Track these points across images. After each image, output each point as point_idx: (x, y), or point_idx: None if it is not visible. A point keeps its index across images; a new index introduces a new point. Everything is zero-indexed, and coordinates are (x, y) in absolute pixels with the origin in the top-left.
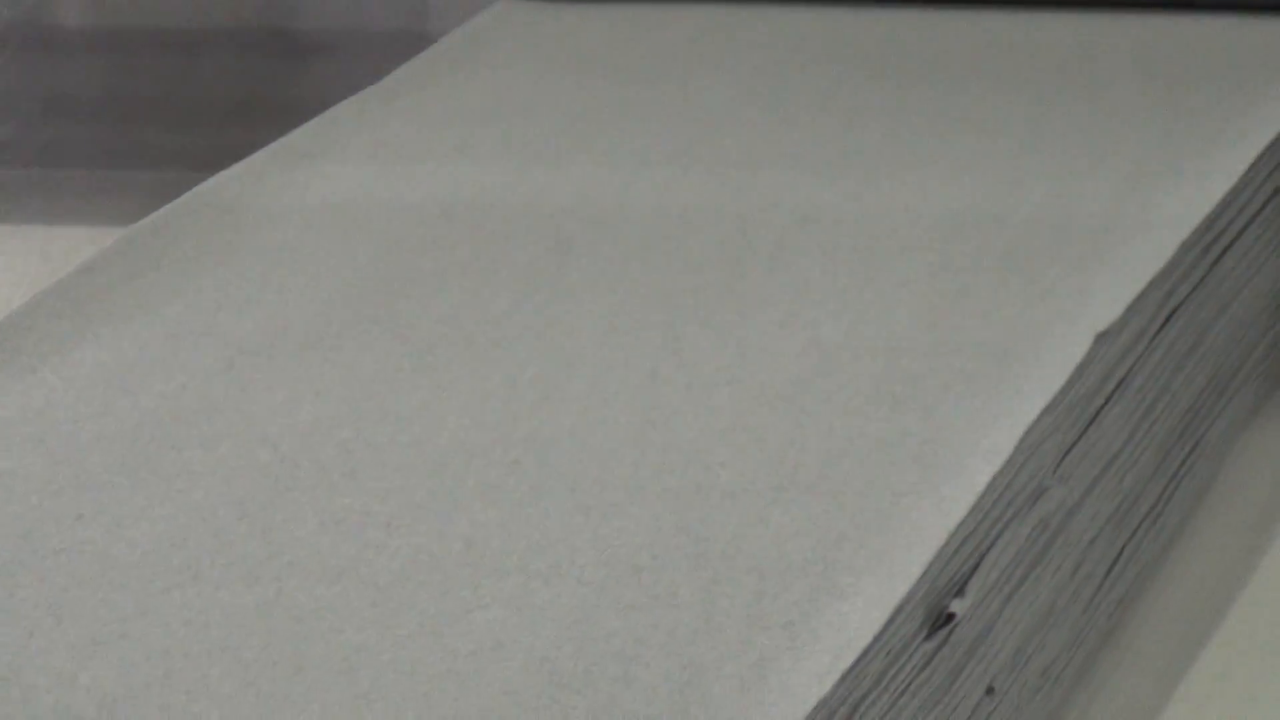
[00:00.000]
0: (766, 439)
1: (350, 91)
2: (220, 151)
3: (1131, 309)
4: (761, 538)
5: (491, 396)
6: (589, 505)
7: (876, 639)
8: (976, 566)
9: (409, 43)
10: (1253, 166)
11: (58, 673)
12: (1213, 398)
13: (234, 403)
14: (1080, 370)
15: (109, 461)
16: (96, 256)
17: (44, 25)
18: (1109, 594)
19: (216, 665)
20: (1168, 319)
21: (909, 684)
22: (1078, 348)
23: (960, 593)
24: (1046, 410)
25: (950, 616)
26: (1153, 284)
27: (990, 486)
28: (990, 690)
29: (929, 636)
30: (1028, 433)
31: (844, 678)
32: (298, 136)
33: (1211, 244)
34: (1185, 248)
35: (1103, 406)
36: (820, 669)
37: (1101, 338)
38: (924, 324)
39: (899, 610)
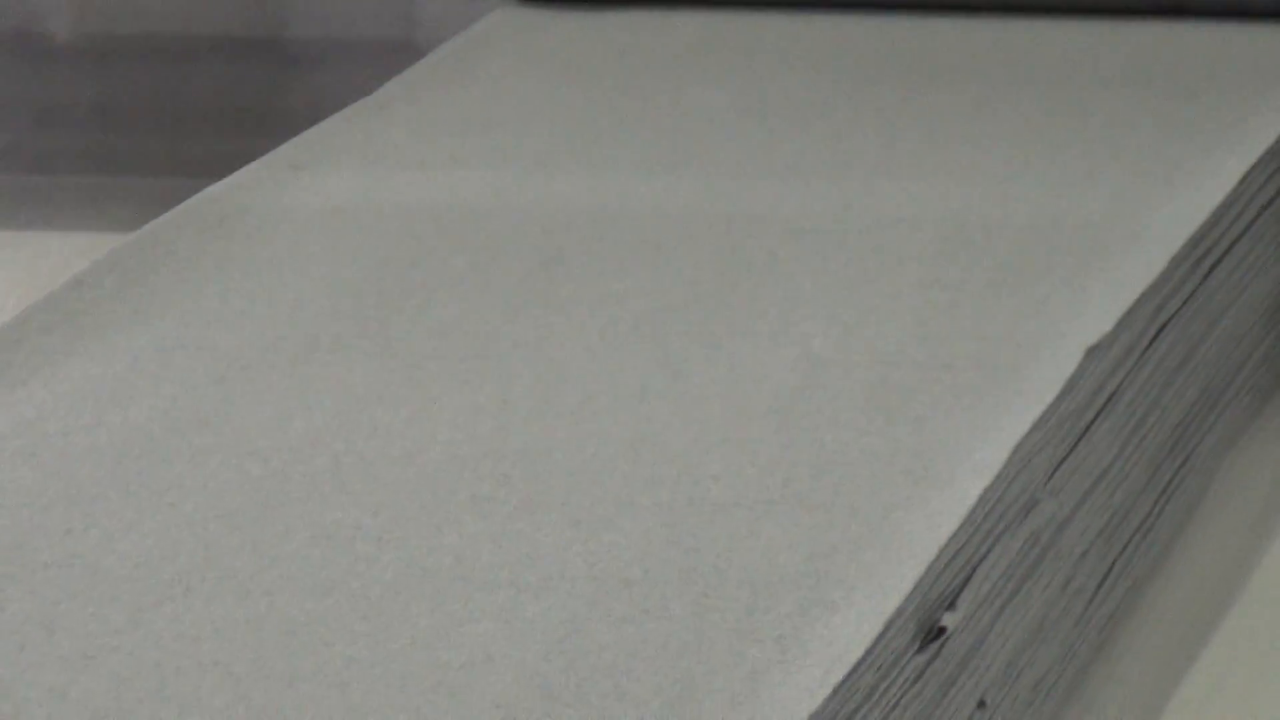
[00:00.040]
0: (757, 452)
1: (341, 100)
2: (212, 158)
3: (1122, 323)
4: (752, 551)
5: (482, 410)
6: (580, 519)
7: (868, 652)
8: (968, 580)
9: (398, 52)
10: (1244, 180)
11: (49, 686)
12: (1203, 412)
13: (225, 416)
14: (1071, 384)
15: (99, 475)
16: (87, 270)
17: (34, 34)
18: (1100, 608)
19: (208, 678)
20: (1158, 333)
21: (900, 697)
22: (1068, 361)
23: (952, 606)
24: (1038, 424)
25: (941, 630)
26: (1143, 298)
27: (981, 500)
28: (982, 704)
29: (920, 650)
30: (1019, 446)
31: (835, 691)
32: (290, 148)
33: (1202, 258)
34: (1176, 261)
35: (1094, 420)
36: (811, 682)
37: (1092, 351)
38: (915, 337)
39: (890, 624)
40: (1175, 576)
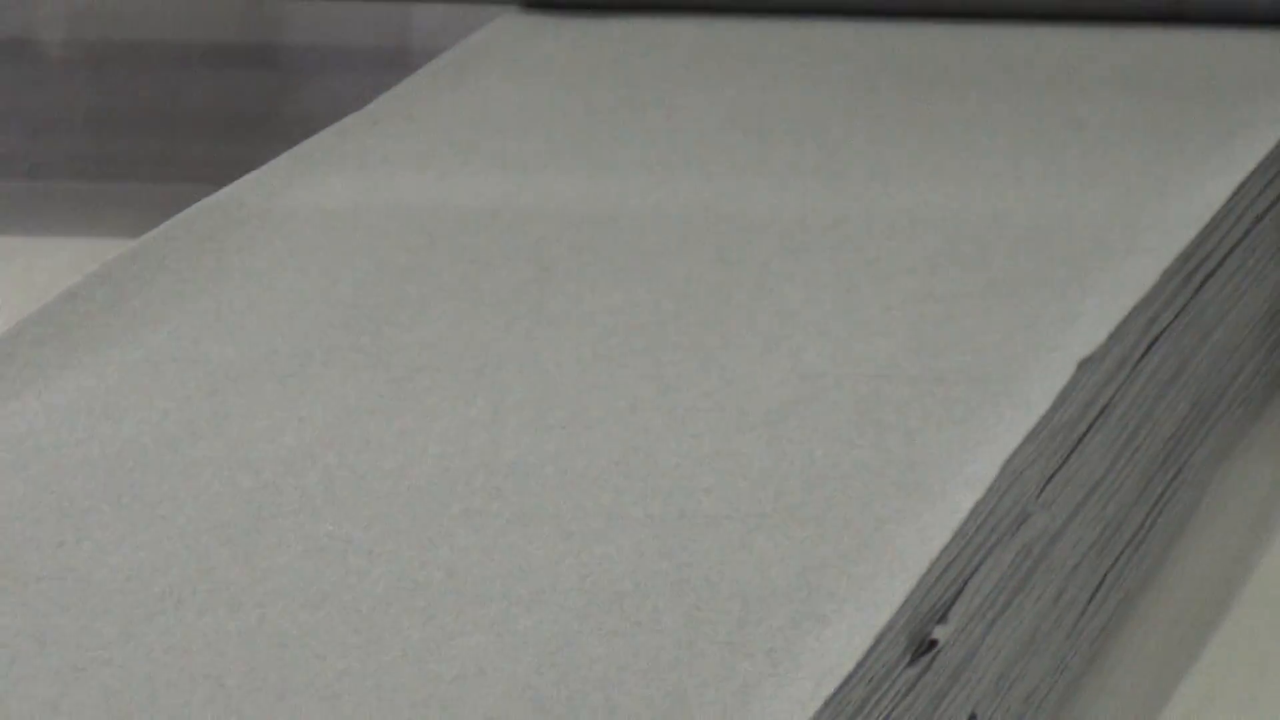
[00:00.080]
0: (749, 465)
1: (335, 107)
2: (208, 165)
3: (1114, 336)
4: (744, 564)
5: (474, 423)
6: (571, 532)
7: (859, 666)
8: (959, 593)
9: (393, 59)
10: (1237, 193)
11: (40, 699)
12: (1196, 425)
13: (217, 429)
14: (1063, 397)
15: (92, 487)
16: (80, 282)
17: (29, 42)
18: (1092, 620)
19: (199, 691)
20: (1151, 346)
21: (891, 711)
22: (1061, 374)
23: (943, 619)
24: (1029, 437)
25: (933, 643)
26: (1135, 311)
27: (973, 513)
28: (973, 717)
29: (912, 663)
30: (1010, 459)
31: (826, 704)
32: (283, 161)
33: (1195, 270)
34: (1169, 274)
35: (1086, 433)
36: (803, 696)
37: (1084, 364)
38: (907, 350)
39: (881, 637)
40: (1167, 589)
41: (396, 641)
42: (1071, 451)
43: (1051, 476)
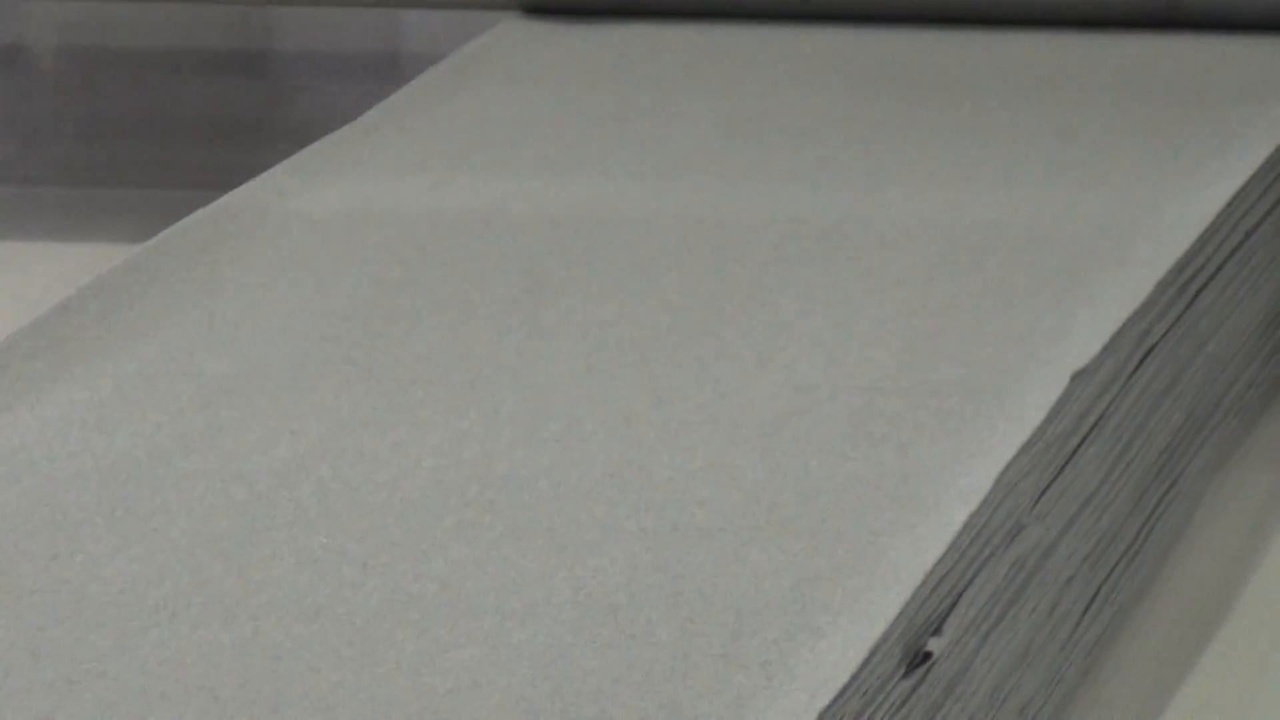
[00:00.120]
0: (743, 478)
1: (327, 113)
2: (201, 171)
3: (1108, 348)
4: (738, 577)
5: (468, 436)
6: (565, 544)
7: (854, 678)
8: (954, 605)
9: (390, 66)
10: (1230, 204)
11: (34, 713)
12: (1189, 436)
13: (210, 441)
14: (1057, 409)
15: (85, 500)
16: (73, 295)
17: (21, 49)
18: (1086, 633)
19: (193, 704)
20: (1144, 358)
21: None
22: (1054, 387)
23: (937, 631)
24: (1023, 449)
25: (927, 655)
26: (1129, 323)
27: (967, 525)
28: None
29: (906, 675)
30: (1005, 471)
31: (821, 717)
32: (276, 172)
33: (1188, 282)
34: (1162, 286)
35: (1079, 445)
36: (797, 708)
37: (1078, 376)
38: (901, 363)
39: (876, 649)
40: (1161, 601)
41: (390, 654)
42: (1066, 463)
43: (1046, 488)
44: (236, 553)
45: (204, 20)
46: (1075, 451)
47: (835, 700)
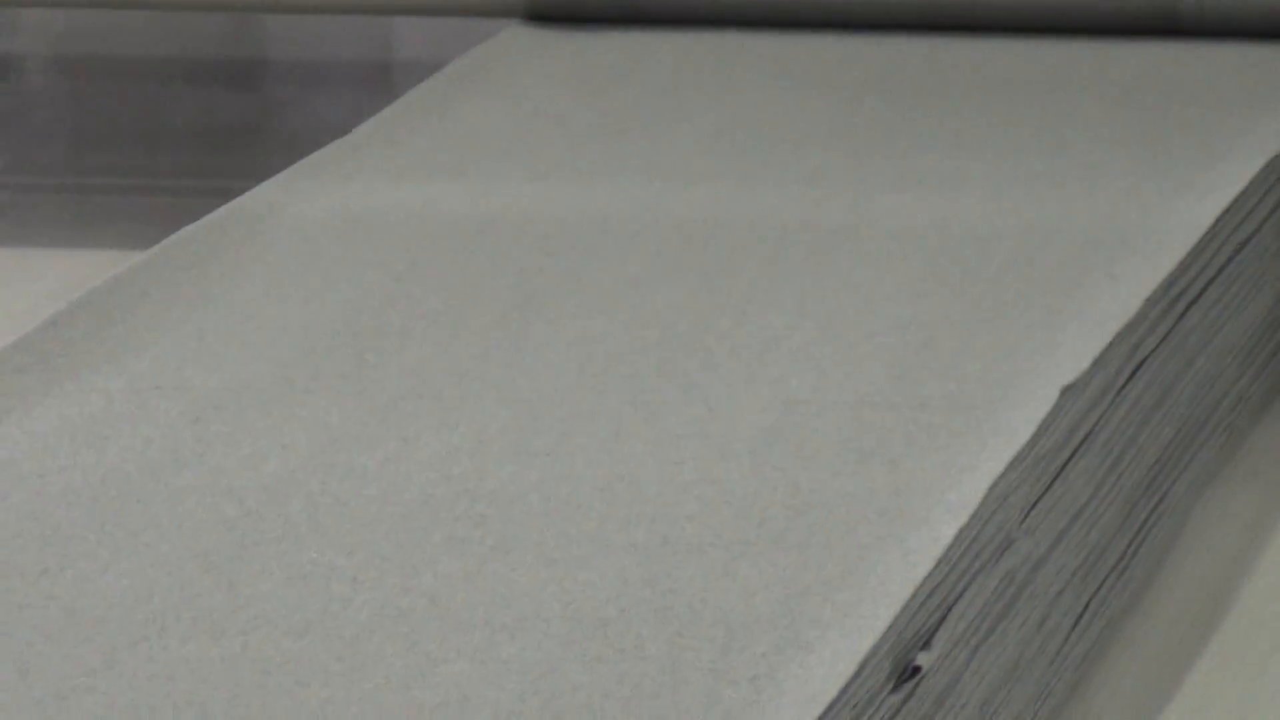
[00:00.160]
0: (732, 492)
1: (321, 121)
2: (193, 177)
3: (1097, 363)
4: (728, 591)
5: (458, 450)
6: (555, 559)
7: (843, 692)
8: (943, 619)
9: (376, 73)
10: (1220, 219)
11: None
12: (1179, 451)
13: (200, 457)
14: (1046, 424)
15: (75, 516)
16: (63, 310)
17: (13, 56)
18: (1075, 647)
19: (183, 719)
20: (1134, 373)
21: None
22: (1044, 401)
23: (926, 646)
24: (1013, 464)
25: (916, 669)
26: (1119, 338)
27: (956, 539)
28: None
29: (895, 689)
30: (994, 486)
31: None
32: (265, 187)
33: (1178, 298)
34: (1151, 301)
35: (1069, 460)
36: None
37: (1067, 391)
38: (890, 378)
39: (865, 663)
40: (1150, 615)
41: (380, 669)
42: (1055, 478)
43: (1035, 503)
44: (226, 567)
45: (198, 28)
46: (1065, 466)
47: (824, 714)
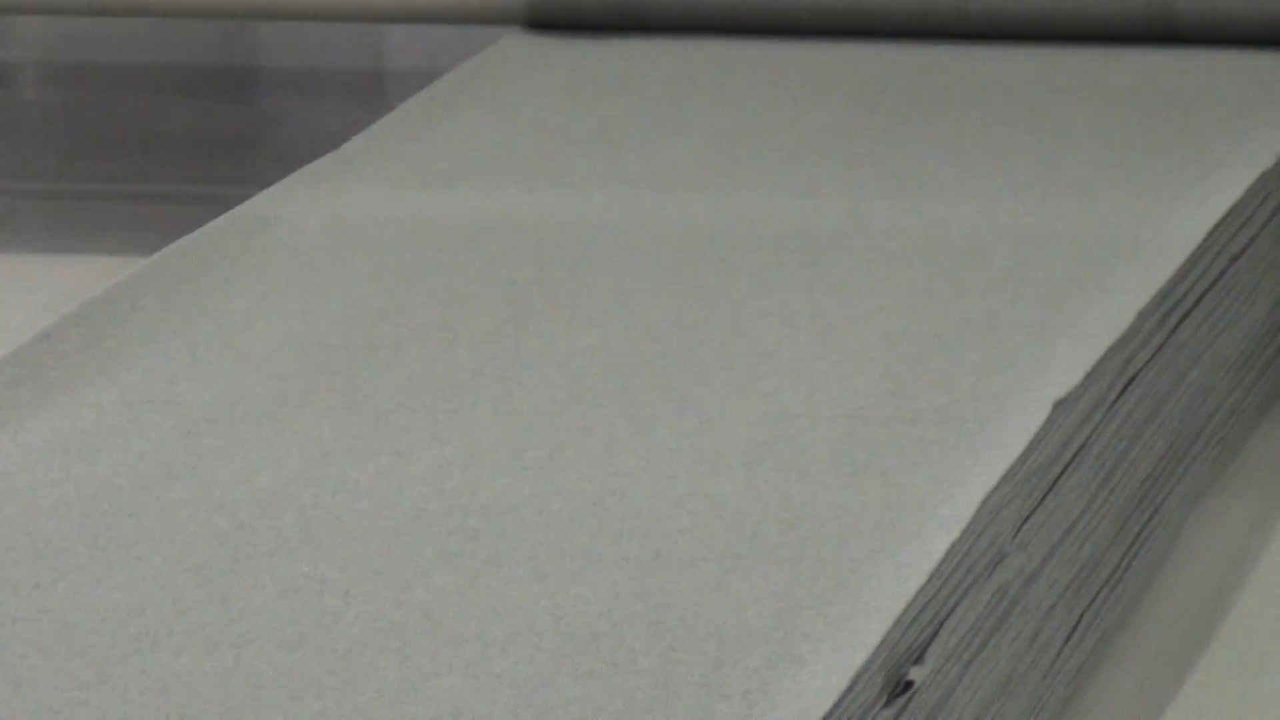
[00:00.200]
0: (725, 506)
1: (314, 129)
2: (183, 183)
3: (1090, 377)
4: (720, 605)
5: (450, 464)
6: (547, 573)
7: (835, 707)
8: (935, 634)
9: (369, 81)
10: (1212, 233)
11: None
12: (1171, 465)
13: (192, 470)
14: (1039, 438)
15: (67, 529)
16: (55, 324)
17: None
18: (1068, 661)
19: None
20: (1126, 387)
21: None
22: (1036, 415)
23: (919, 660)
24: (1005, 478)
25: (909, 684)
26: (1111, 352)
27: (949, 554)
28: None
29: (888, 704)
30: (986, 500)
31: None
32: (258, 201)
33: (1170, 311)
34: (1144, 315)
35: (1061, 474)
36: None
37: (1060, 405)
38: (883, 391)
39: (858, 678)
40: (1143, 629)
41: (372, 682)
42: (1047, 492)
43: (1027, 517)
44: (218, 581)
45: (193, 37)
46: (1057, 480)
47: None
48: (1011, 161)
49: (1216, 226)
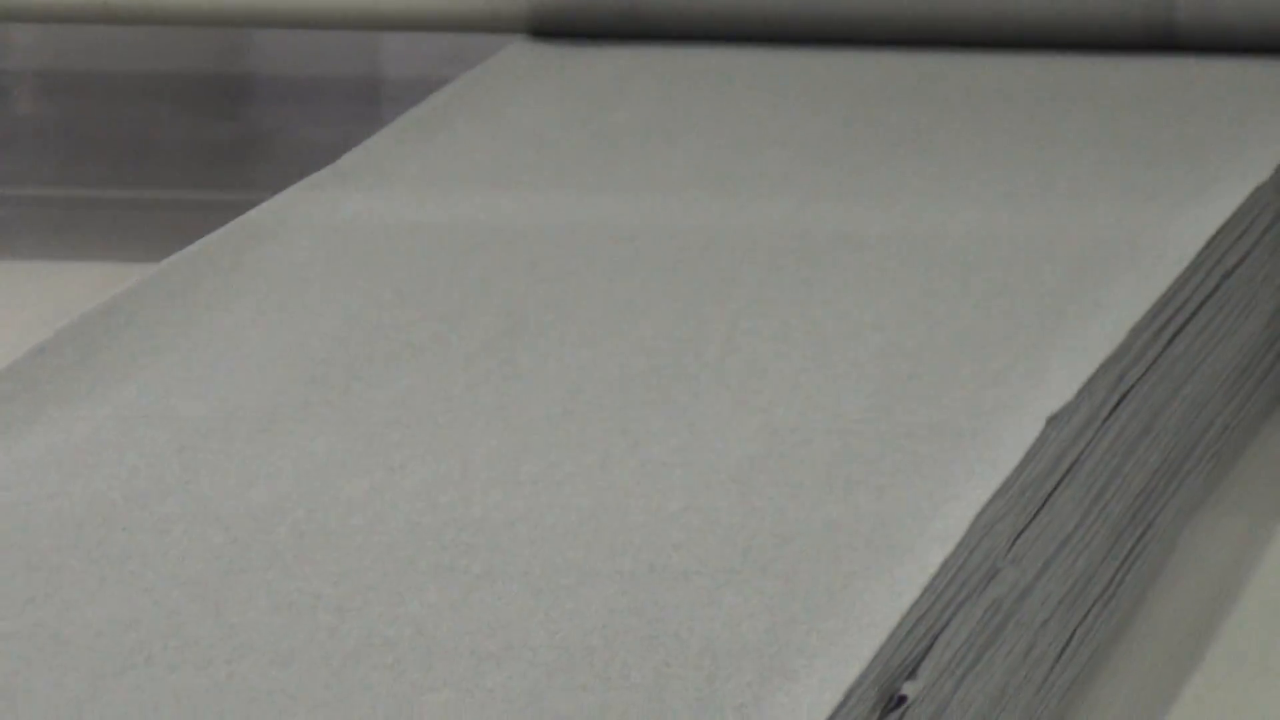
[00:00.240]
0: (718, 521)
1: (302, 137)
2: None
3: (1083, 392)
4: (714, 620)
5: (444, 478)
6: (541, 587)
7: None
8: (929, 649)
9: (369, 88)
10: (1205, 248)
11: None
12: (1165, 480)
13: (186, 485)
14: (1032, 453)
15: (60, 544)
16: (49, 339)
17: None
18: (1061, 676)
19: None
20: (1119, 402)
21: None
22: (1030, 431)
23: (913, 675)
24: (999, 493)
25: (902, 699)
26: (1104, 367)
27: (943, 568)
28: None
29: (881, 719)
30: (980, 515)
31: None
32: (253, 215)
33: (1164, 326)
34: (1137, 330)
35: (1055, 489)
36: None
37: (1053, 421)
38: (876, 406)
39: (851, 692)
40: (1137, 644)
41: (366, 698)
42: (1041, 507)
43: (1021, 532)
44: (212, 596)
45: (190, 45)
46: (1051, 495)
47: None
48: (1008, 171)
49: (1212, 239)
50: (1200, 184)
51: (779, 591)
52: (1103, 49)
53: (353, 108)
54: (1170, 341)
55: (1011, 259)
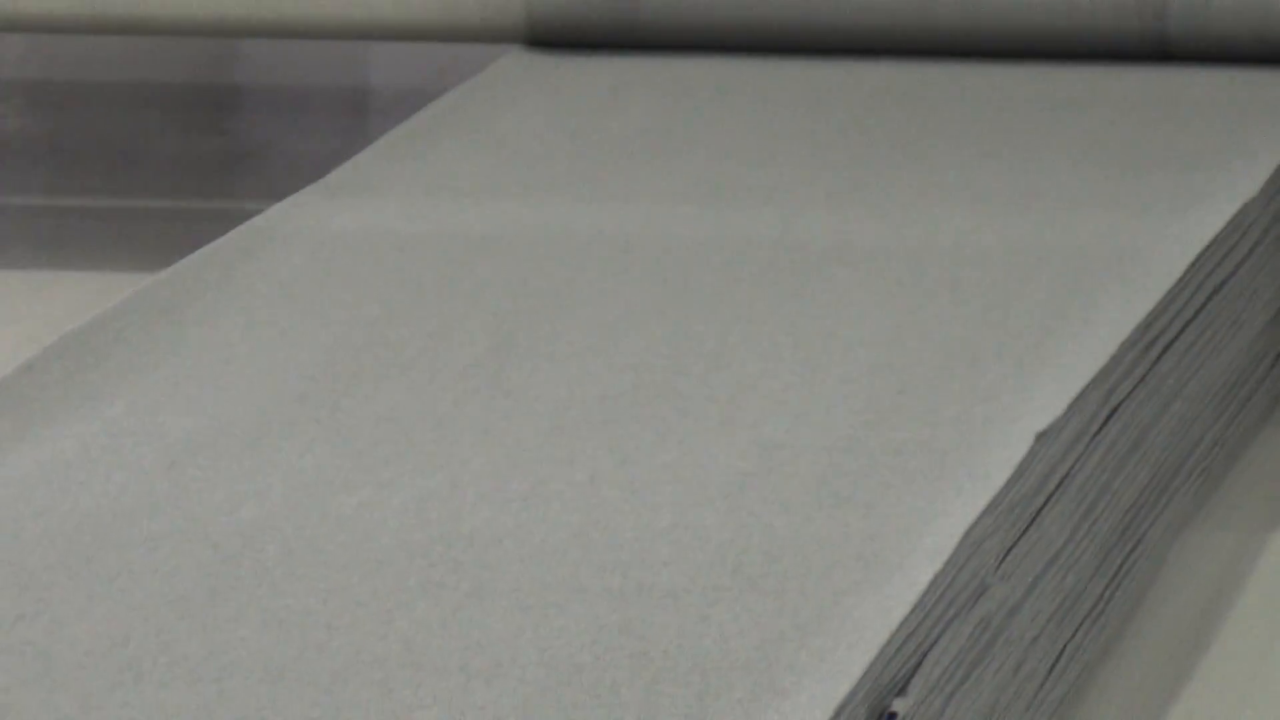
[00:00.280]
0: (708, 538)
1: (295, 146)
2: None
3: (1072, 408)
4: (703, 637)
5: (433, 495)
6: (530, 604)
7: None
8: (919, 665)
9: (360, 99)
10: (1194, 265)
11: None
12: (1154, 496)
13: (175, 502)
14: (1021, 469)
15: (50, 561)
16: (37, 355)
17: None
18: (1051, 692)
19: None
20: (1108, 418)
21: None
22: (1018, 447)
23: (902, 691)
24: (988, 509)
25: (892, 715)
26: (1093, 383)
27: (932, 585)
28: None
29: None
30: (969, 531)
31: None
32: (243, 231)
33: (1153, 342)
34: (1126, 346)
35: (1044, 505)
36: None
37: (1042, 437)
38: (865, 423)
39: (841, 709)
40: (1126, 660)
41: (355, 715)
42: (1030, 523)
43: (1010, 548)
44: (201, 613)
45: (180, 54)
46: (1040, 511)
47: None
48: (1001, 184)
49: (1202, 255)
50: (1190, 198)
51: (768, 608)
52: (1094, 59)
53: (346, 119)
54: (1159, 357)
55: (1002, 274)
